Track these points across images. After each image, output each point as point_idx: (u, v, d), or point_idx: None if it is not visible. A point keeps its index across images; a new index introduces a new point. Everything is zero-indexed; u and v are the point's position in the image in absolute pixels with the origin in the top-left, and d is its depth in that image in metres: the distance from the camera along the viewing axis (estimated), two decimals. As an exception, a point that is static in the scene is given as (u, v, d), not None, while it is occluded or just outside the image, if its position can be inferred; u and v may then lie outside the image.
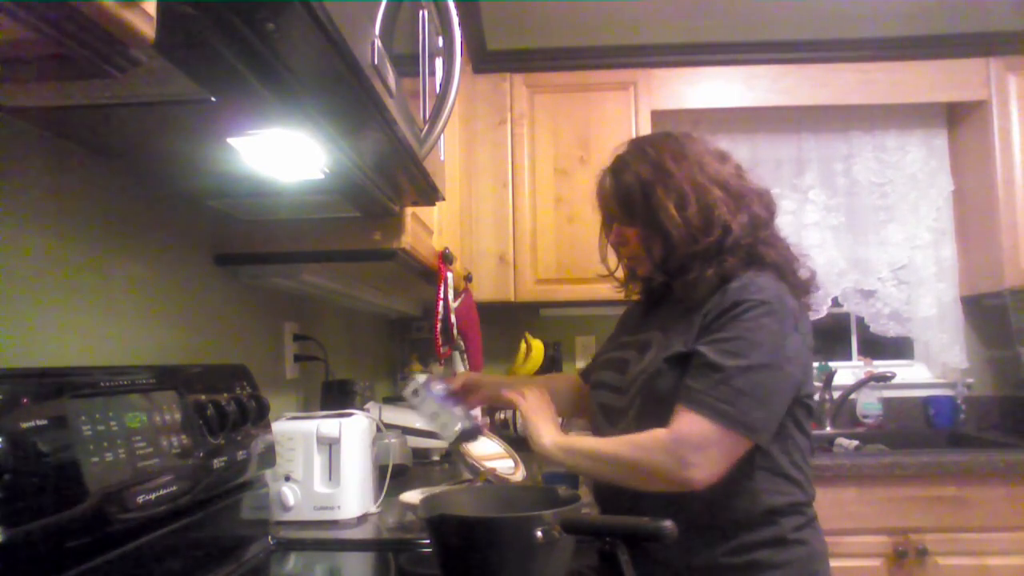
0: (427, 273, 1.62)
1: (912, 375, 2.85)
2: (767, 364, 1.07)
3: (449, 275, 1.65)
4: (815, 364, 2.80)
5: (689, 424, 1.06)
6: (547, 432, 1.20)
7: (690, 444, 1.05)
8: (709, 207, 1.15)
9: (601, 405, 1.26)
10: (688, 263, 1.16)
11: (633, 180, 1.20)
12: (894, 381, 2.71)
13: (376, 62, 0.79)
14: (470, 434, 1.31)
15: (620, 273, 1.37)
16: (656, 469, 1.07)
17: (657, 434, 1.08)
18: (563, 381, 1.55)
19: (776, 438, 1.12)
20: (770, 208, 1.21)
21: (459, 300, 1.81)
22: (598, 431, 1.28)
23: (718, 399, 1.05)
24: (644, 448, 1.09)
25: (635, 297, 1.39)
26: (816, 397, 2.71)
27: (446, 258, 1.64)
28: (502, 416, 2.62)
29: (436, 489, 1.41)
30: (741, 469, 1.10)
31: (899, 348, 2.91)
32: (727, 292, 1.12)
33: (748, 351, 1.07)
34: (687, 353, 1.13)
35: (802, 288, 1.18)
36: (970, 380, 2.76)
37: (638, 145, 1.27)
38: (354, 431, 1.38)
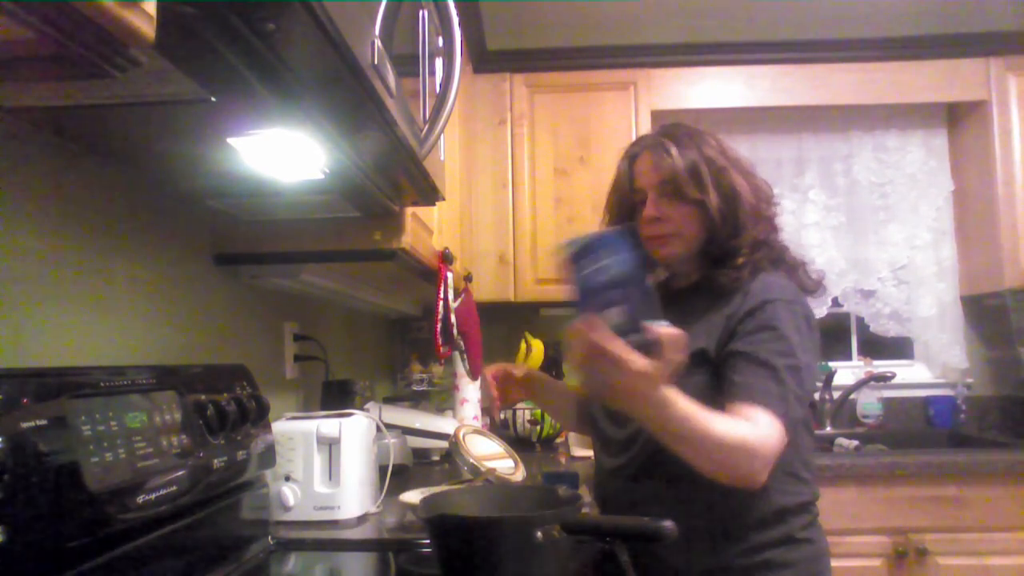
0: (427, 273, 1.62)
1: (912, 375, 2.85)
2: (808, 364, 1.10)
3: (449, 275, 1.65)
4: (815, 364, 2.80)
5: (768, 426, 1.03)
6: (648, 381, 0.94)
7: (771, 449, 1.03)
8: (761, 201, 1.20)
9: (606, 409, 1.26)
10: (739, 248, 1.17)
11: (699, 157, 1.18)
12: (894, 381, 2.71)
13: (376, 62, 0.79)
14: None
15: None
16: (736, 469, 1.02)
17: (747, 434, 1.01)
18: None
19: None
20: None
21: (459, 300, 1.81)
22: (601, 436, 1.27)
23: (780, 399, 1.06)
24: (731, 448, 1.00)
25: None
26: (816, 396, 2.71)
27: (446, 258, 1.64)
28: (502, 416, 2.62)
29: (436, 489, 1.41)
30: None
31: (899, 348, 2.91)
32: (749, 292, 1.13)
33: (793, 352, 1.08)
34: (706, 352, 1.12)
35: (812, 288, 1.21)
36: (970, 380, 2.76)
37: (692, 129, 1.24)
38: (354, 431, 1.38)
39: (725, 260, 1.17)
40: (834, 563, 1.21)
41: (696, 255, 1.22)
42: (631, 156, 1.25)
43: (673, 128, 1.25)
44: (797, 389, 1.07)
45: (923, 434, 2.71)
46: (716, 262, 1.19)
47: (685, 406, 0.98)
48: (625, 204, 1.25)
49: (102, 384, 0.83)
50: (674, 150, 1.19)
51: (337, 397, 1.78)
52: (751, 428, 1.02)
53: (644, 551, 1.16)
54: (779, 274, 1.17)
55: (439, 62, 1.13)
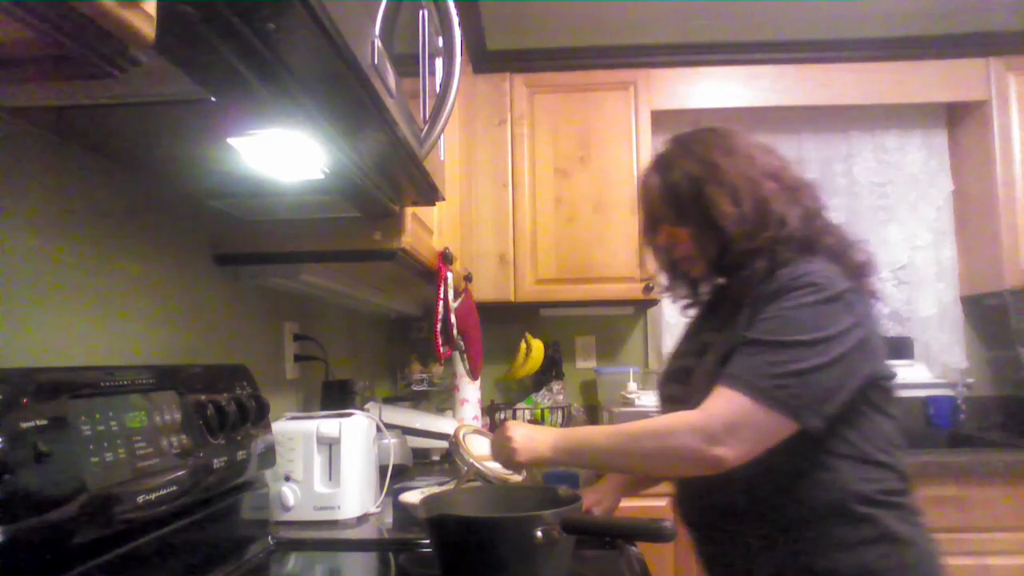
0: (427, 273, 1.62)
1: (912, 375, 2.85)
2: (807, 342, 1.01)
3: (449, 275, 1.65)
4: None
5: (718, 400, 1.01)
6: (539, 439, 1.13)
7: (719, 420, 1.00)
8: (764, 200, 1.11)
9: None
10: (744, 259, 1.11)
11: (682, 178, 1.15)
12: (894, 381, 2.70)
13: (376, 62, 0.79)
14: None
15: (663, 278, 1.30)
16: (681, 451, 1.02)
17: (687, 416, 1.03)
18: None
19: (851, 423, 1.06)
20: (818, 199, 1.17)
21: (459, 300, 1.81)
22: None
23: (750, 374, 1.01)
24: (669, 434, 1.03)
25: (681, 301, 1.32)
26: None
27: (446, 258, 1.64)
28: (502, 416, 2.62)
29: (436, 489, 1.41)
30: (819, 460, 1.05)
31: (899, 348, 2.90)
32: (775, 279, 1.07)
33: (786, 329, 1.02)
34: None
35: (857, 270, 1.11)
36: (970, 380, 2.76)
37: (682, 142, 1.21)
38: (354, 431, 1.38)
39: (735, 269, 1.13)
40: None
41: (719, 267, 1.18)
42: (644, 184, 1.25)
43: (666, 149, 1.23)
44: (783, 364, 1.00)
45: (923, 434, 2.71)
46: (729, 271, 1.16)
47: (594, 430, 1.12)
48: (650, 220, 1.26)
49: (102, 384, 0.83)
50: (653, 180, 1.20)
51: (337, 397, 1.78)
52: (689, 412, 1.03)
53: (718, 558, 1.15)
54: (817, 259, 1.09)
55: (439, 62, 1.13)
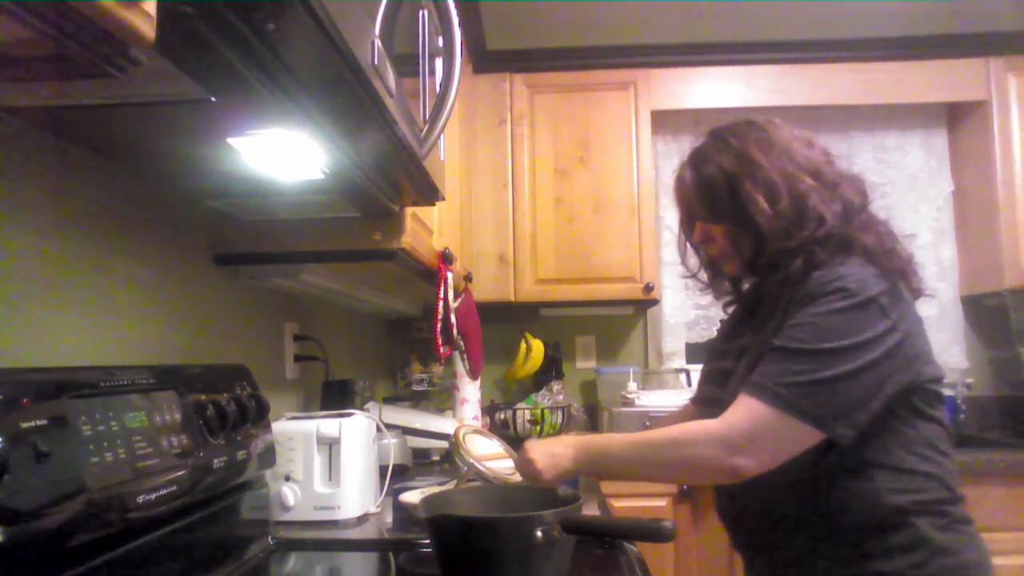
0: (427, 273, 1.62)
1: (912, 375, 2.85)
2: (834, 350, 0.98)
3: (449, 275, 1.65)
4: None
5: (740, 410, 1.00)
6: (559, 453, 1.12)
7: (739, 430, 0.99)
8: (801, 197, 1.07)
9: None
10: (780, 259, 1.07)
11: (716, 173, 1.12)
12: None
13: (376, 62, 0.79)
14: None
15: (704, 275, 1.28)
16: (701, 461, 1.01)
17: (707, 425, 1.02)
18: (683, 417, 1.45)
19: (890, 430, 1.03)
20: (863, 193, 1.13)
21: (459, 300, 1.81)
22: None
23: (774, 383, 0.99)
24: (689, 443, 1.02)
25: (724, 298, 1.29)
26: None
27: (446, 258, 1.64)
28: (502, 416, 2.62)
29: (436, 489, 1.41)
30: (855, 470, 1.03)
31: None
32: (807, 283, 1.04)
33: (813, 337, 1.00)
34: None
35: (896, 272, 1.07)
36: (970, 380, 2.76)
37: (719, 135, 1.16)
38: (354, 431, 1.38)
39: (771, 270, 1.10)
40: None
41: (755, 267, 1.15)
42: (679, 179, 1.22)
43: (702, 142, 1.19)
44: (808, 373, 0.98)
45: (923, 434, 2.71)
46: (765, 271, 1.12)
47: (614, 440, 1.12)
48: (686, 216, 1.23)
49: (102, 384, 0.83)
50: (688, 175, 1.17)
51: (337, 397, 1.78)
52: (709, 421, 1.02)
53: (757, 561, 1.14)
54: (852, 261, 1.04)
55: (439, 62, 1.13)
